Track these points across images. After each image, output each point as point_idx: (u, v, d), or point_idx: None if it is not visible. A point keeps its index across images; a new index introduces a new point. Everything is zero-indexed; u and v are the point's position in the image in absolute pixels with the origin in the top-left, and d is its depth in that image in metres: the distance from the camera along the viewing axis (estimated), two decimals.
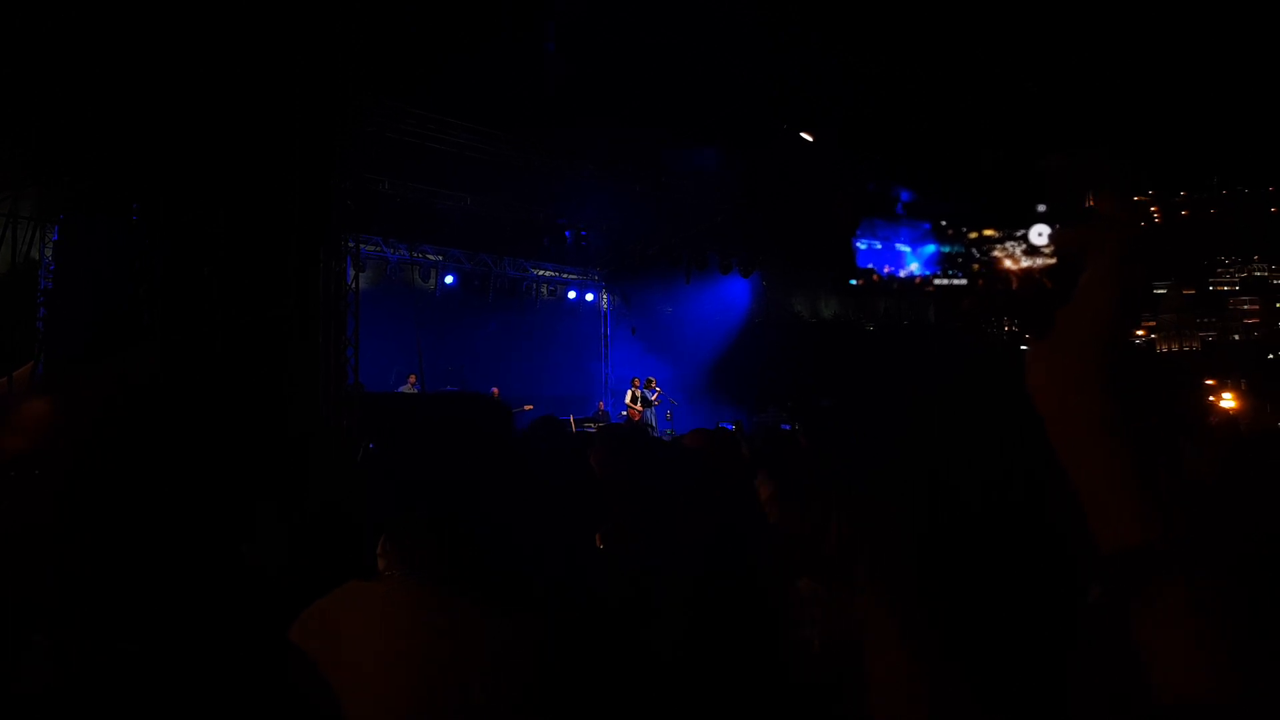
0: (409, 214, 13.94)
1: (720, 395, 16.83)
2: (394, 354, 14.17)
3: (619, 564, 2.39)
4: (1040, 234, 0.84)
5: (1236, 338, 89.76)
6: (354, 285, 9.35)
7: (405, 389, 13.70)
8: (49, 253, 7.82)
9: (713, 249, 16.17)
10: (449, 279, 16.42)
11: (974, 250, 0.87)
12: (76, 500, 1.69)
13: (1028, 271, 0.84)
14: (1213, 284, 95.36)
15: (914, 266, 0.88)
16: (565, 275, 18.68)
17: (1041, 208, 0.84)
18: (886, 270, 0.88)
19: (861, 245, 0.88)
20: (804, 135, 12.33)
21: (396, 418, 9.73)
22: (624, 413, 16.01)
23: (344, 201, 9.17)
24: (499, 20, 8.67)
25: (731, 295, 17.80)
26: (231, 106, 7.06)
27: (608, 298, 19.69)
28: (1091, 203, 0.83)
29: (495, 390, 14.78)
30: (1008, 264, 0.84)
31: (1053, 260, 0.83)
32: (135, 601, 1.59)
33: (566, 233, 16.30)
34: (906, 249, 0.89)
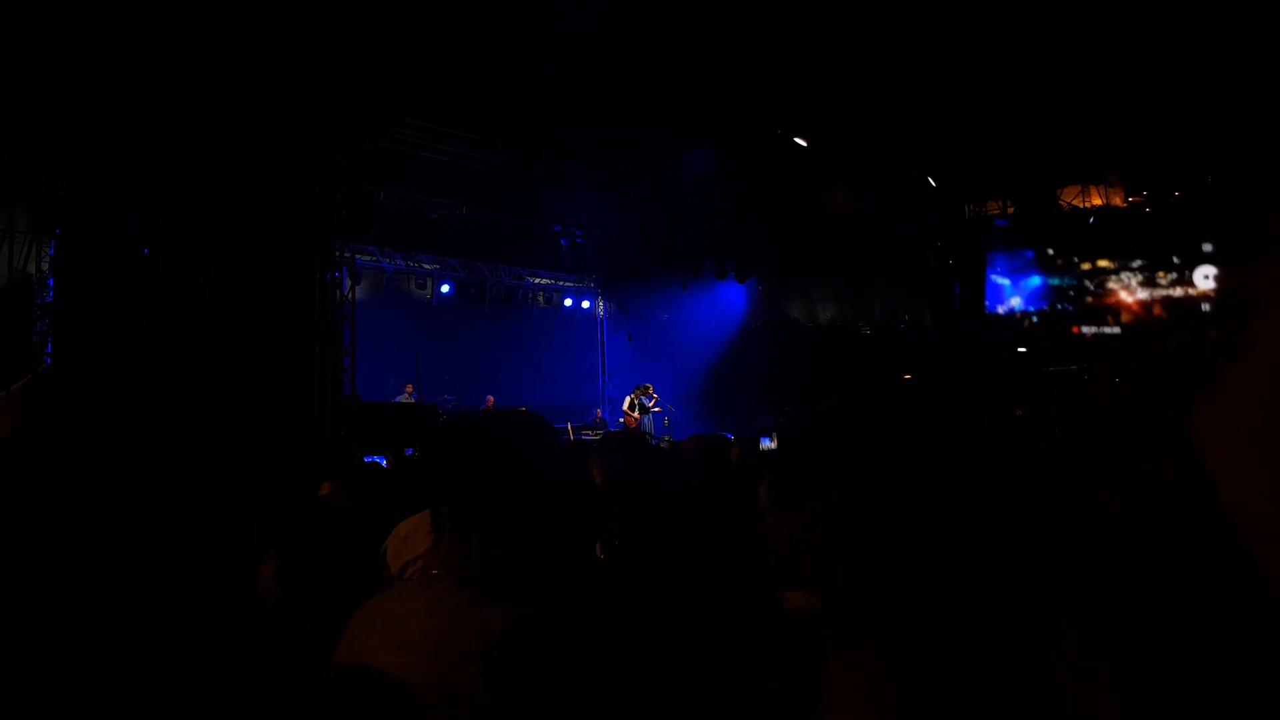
0: (405, 223, 13.94)
1: (718, 401, 16.83)
2: (391, 363, 14.15)
3: (620, 564, 2.40)
4: (1207, 276, 0.76)
5: None
6: (350, 295, 9.35)
7: (402, 399, 13.69)
8: (45, 266, 7.82)
9: (709, 255, 16.20)
10: (445, 288, 16.42)
11: (1087, 282, 0.79)
12: (79, 499, 1.71)
13: (1191, 316, 0.76)
14: None
15: (1015, 301, 0.82)
16: (562, 283, 18.69)
17: (1208, 246, 0.76)
18: (1006, 309, 0.82)
19: (1000, 280, 0.82)
20: (799, 141, 12.37)
21: (410, 429, 9.74)
22: (620, 420, 16.00)
23: (340, 211, 9.18)
24: (497, 21, 8.67)
25: (728, 301, 17.82)
26: (231, 106, 7.06)
27: (604, 305, 19.69)
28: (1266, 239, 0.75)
29: (490, 399, 14.77)
30: (1129, 303, 0.76)
31: (1221, 303, 0.75)
32: (137, 602, 1.61)
33: (563, 240, 16.31)
34: (1005, 281, 0.83)
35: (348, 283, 9.36)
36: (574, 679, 1.50)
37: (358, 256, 11.95)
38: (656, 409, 16.03)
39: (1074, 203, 14.30)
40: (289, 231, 7.44)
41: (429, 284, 16.28)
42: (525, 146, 12.67)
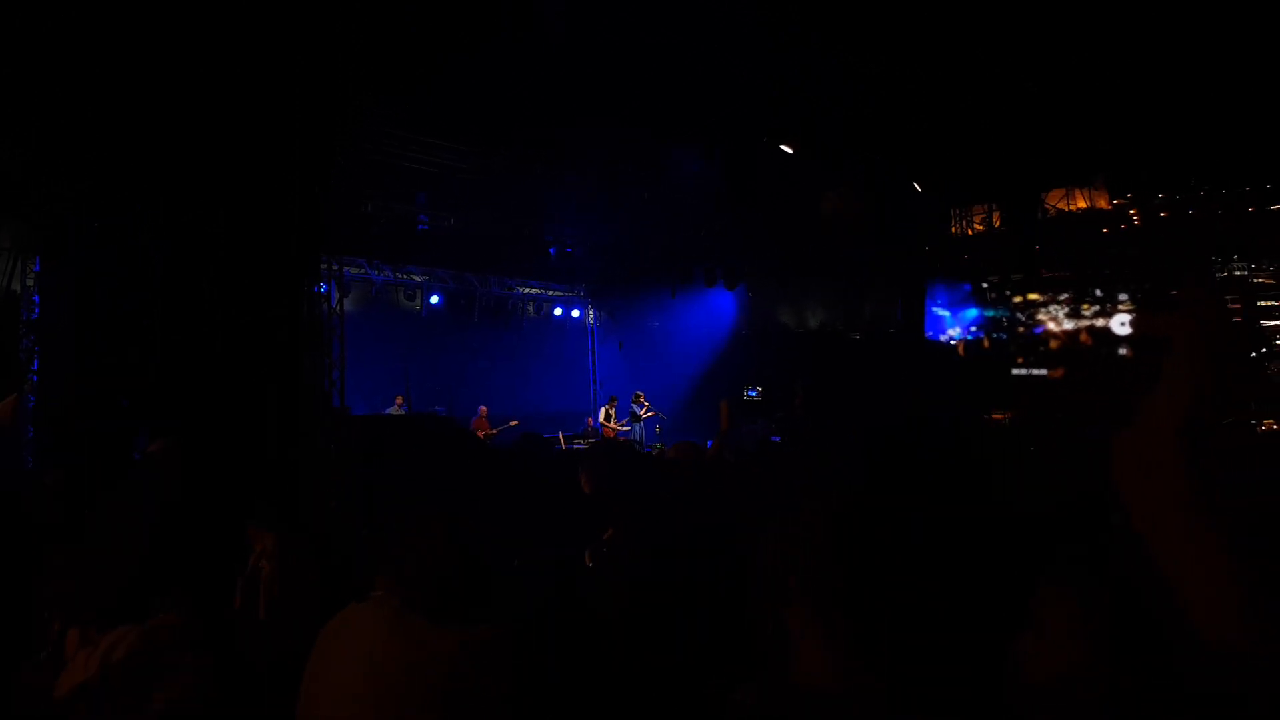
0: (393, 234, 13.91)
1: (710, 408, 16.77)
2: (381, 376, 14.11)
3: (616, 575, 2.39)
4: (1123, 323, 0.84)
5: None
6: (339, 308, 9.32)
7: (393, 410, 13.63)
8: (30, 283, 7.76)
9: (697, 262, 16.22)
10: (435, 299, 16.39)
11: (1018, 314, 0.86)
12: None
13: (1112, 358, 0.84)
14: None
15: (954, 331, 0.87)
16: (551, 292, 18.68)
17: (1124, 296, 0.85)
18: (946, 338, 0.87)
19: (940, 311, 0.88)
20: (785, 148, 12.41)
21: (385, 440, 9.70)
22: (599, 430, 15.99)
23: (330, 223, 9.14)
24: (486, 29, 8.63)
25: (718, 308, 17.83)
26: (230, 106, 7.04)
27: (594, 314, 19.68)
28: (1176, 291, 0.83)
29: (483, 410, 14.73)
30: (1055, 333, 0.84)
31: (1137, 346, 0.83)
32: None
33: (551, 249, 16.31)
34: (945, 313, 0.87)
35: (336, 295, 9.32)
36: (562, 683, 1.49)
37: (346, 269, 11.92)
38: (648, 415, 16.01)
39: (1059, 206, 14.38)
40: (289, 231, 7.41)
41: (418, 295, 16.25)
42: (513, 156, 12.65)
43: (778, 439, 11.57)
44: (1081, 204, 13.96)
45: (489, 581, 1.52)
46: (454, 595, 1.49)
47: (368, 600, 1.61)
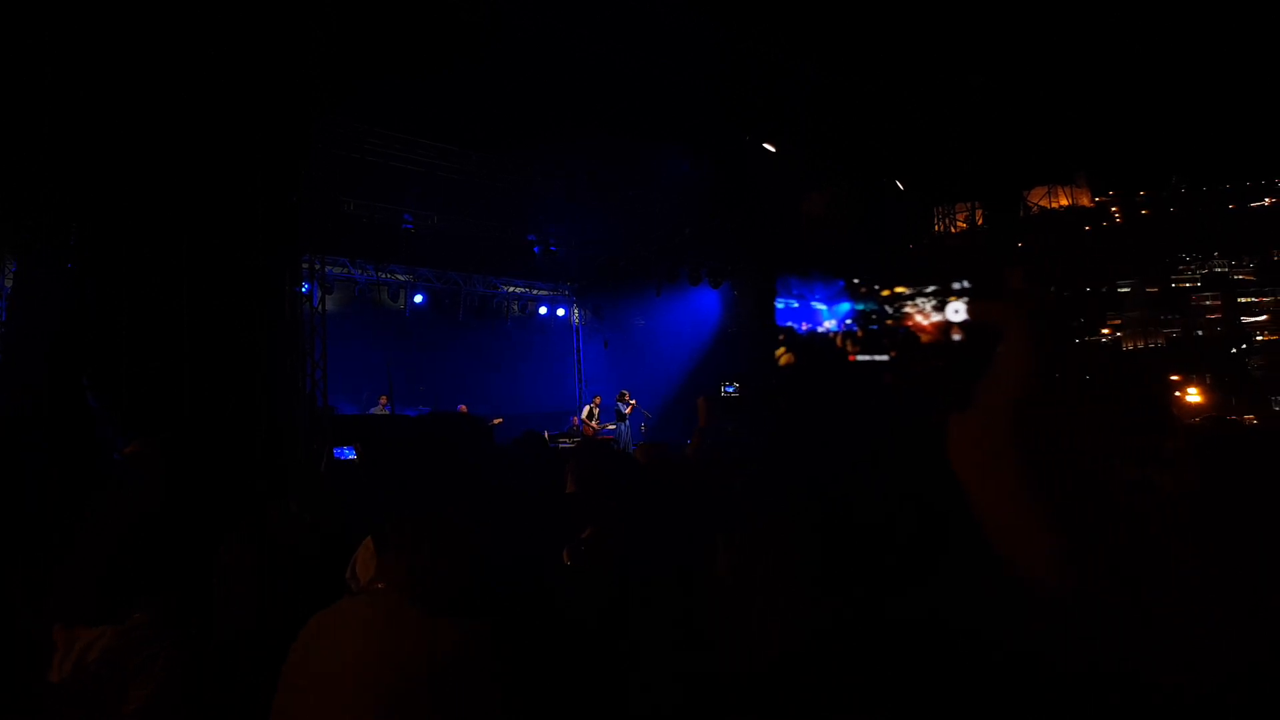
0: (376, 234, 13.88)
1: (695, 406, 16.77)
2: (365, 375, 14.06)
3: (593, 573, 2.41)
4: (958, 310, 0.91)
5: (1200, 333, 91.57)
6: (321, 307, 9.29)
7: (376, 410, 13.60)
8: (8, 282, 7.69)
9: (683, 261, 16.26)
10: (418, 298, 16.35)
11: (887, 308, 0.93)
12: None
13: (947, 345, 0.91)
14: (1175, 281, 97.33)
15: (830, 324, 0.93)
16: (536, 291, 18.66)
17: (960, 284, 0.91)
18: (805, 327, 0.93)
19: (779, 304, 0.92)
20: (767, 146, 12.46)
21: (374, 438, 9.69)
22: (580, 427, 16.03)
23: (311, 223, 9.11)
24: (466, 31, 8.62)
25: (703, 306, 17.85)
26: (191, 127, 6.97)
27: (579, 312, 19.67)
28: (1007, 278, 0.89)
29: (463, 408, 14.72)
30: (923, 325, 0.91)
31: (971, 333, 0.89)
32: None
33: (536, 248, 16.30)
34: (822, 307, 0.92)
35: (318, 295, 9.29)
36: (537, 684, 1.50)
37: (328, 268, 11.88)
38: (632, 412, 16.05)
39: (1041, 203, 14.50)
40: (255, 230, 7.33)
41: (401, 294, 16.21)
42: (497, 155, 12.65)
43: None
44: (1064, 201, 14.10)
45: (484, 577, 1.54)
46: (454, 590, 1.50)
47: (363, 594, 1.61)
